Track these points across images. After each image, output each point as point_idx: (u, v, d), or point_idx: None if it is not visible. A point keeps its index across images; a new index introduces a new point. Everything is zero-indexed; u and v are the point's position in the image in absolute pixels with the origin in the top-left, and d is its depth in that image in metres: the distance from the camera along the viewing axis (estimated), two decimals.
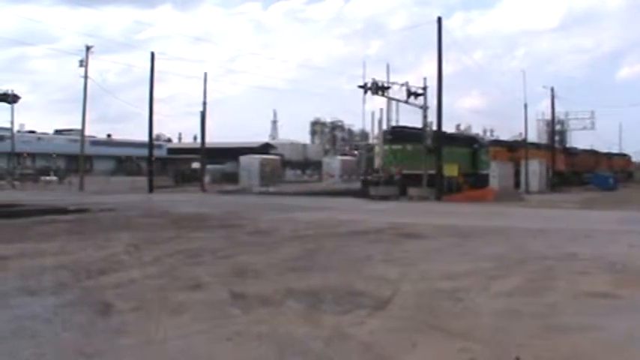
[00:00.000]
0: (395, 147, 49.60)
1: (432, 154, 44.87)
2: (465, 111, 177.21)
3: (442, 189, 42.49)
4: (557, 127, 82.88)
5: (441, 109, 43.84)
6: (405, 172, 46.62)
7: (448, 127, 59.24)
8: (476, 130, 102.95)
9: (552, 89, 70.68)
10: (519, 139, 67.01)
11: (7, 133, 76.33)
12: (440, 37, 43.37)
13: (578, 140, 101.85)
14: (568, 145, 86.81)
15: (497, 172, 48.37)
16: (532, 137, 72.48)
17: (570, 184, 64.54)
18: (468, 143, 57.48)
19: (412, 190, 42.67)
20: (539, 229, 20.61)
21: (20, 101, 59.42)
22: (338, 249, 15.50)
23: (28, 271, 11.82)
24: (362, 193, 46.76)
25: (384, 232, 19.30)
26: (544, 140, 79.75)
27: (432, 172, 46.15)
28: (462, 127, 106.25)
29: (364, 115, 51.49)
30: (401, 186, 45.03)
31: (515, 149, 60.04)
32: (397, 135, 49.67)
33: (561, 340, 7.29)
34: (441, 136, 48.07)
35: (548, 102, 72.44)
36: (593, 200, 39.71)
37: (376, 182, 47.00)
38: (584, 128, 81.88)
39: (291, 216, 25.99)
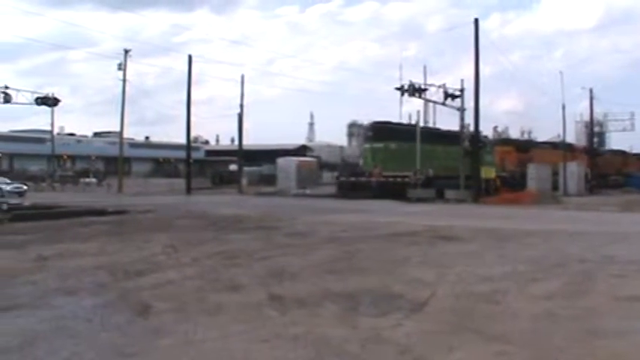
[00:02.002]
0: (376, 145, 48.21)
1: (469, 156, 44.54)
2: (503, 113, 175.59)
3: (479, 191, 42.14)
4: (596, 129, 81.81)
5: (479, 110, 43.61)
6: (387, 174, 45.29)
7: (485, 129, 57.90)
8: (513, 131, 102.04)
9: (591, 90, 69.96)
10: (557, 140, 66.25)
11: (48, 136, 77.29)
12: (477, 39, 43.16)
13: (618, 142, 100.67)
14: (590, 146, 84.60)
15: (535, 175, 47.90)
16: (570, 139, 71.75)
17: (594, 187, 60.67)
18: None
19: (449, 193, 42.38)
20: (577, 231, 20.41)
21: (60, 104, 59.78)
22: (374, 251, 15.48)
23: (67, 272, 11.95)
24: (342, 195, 45.51)
25: (421, 235, 19.22)
26: (582, 142, 78.86)
27: (435, 174, 45.97)
28: (500, 129, 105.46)
29: (401, 117, 50.68)
30: (379, 191, 43.42)
31: (525, 149, 57.62)
32: (378, 132, 48.20)
33: (600, 343, 7.20)
34: (435, 134, 47.84)
35: (586, 103, 71.37)
36: (633, 203, 39.12)
37: (352, 185, 46.05)
38: (624, 130, 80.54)
39: (327, 218, 25.99)
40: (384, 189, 43.95)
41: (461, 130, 46.01)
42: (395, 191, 43.37)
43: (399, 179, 45.21)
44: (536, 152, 57.01)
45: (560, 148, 62.66)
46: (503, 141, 58.72)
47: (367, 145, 49.04)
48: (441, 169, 47.14)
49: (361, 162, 49.69)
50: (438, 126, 53.17)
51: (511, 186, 46.35)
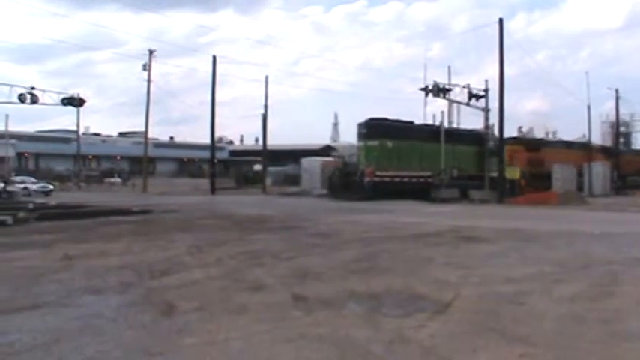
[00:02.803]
0: (370, 143, 45.70)
1: (494, 156, 44.43)
2: (527, 113, 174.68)
3: (504, 192, 41.96)
4: (622, 129, 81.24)
5: (503, 111, 43.46)
6: (382, 173, 43.97)
7: (510, 130, 57.34)
8: (538, 132, 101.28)
9: (617, 90, 69.57)
10: (583, 140, 65.66)
11: (74, 136, 77.90)
12: (501, 39, 43.03)
13: None
14: (604, 145, 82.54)
15: (560, 175, 47.62)
16: (595, 139, 71.21)
17: (619, 187, 58.89)
18: (473, 141, 51.40)
19: (473, 193, 42.28)
20: (603, 232, 20.26)
21: (86, 104, 60.24)
22: (399, 252, 15.45)
23: (93, 271, 12.05)
24: (332, 196, 44.64)
25: (445, 235, 19.17)
26: (608, 142, 78.24)
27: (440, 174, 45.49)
28: (524, 130, 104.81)
29: (425, 118, 50.05)
30: (373, 193, 41.92)
31: (536, 149, 55.93)
32: (373, 129, 45.76)
33: (625, 346, 7.14)
34: (439, 133, 46.72)
35: (612, 104, 71.21)
36: None
37: (344, 185, 44.67)
38: None
39: (351, 218, 25.99)
40: (377, 190, 42.66)
41: (485, 130, 45.92)
42: (396, 192, 42.38)
43: (397, 179, 44.46)
44: (548, 152, 55.50)
45: (575, 148, 61.64)
46: (513, 140, 56.26)
47: (361, 143, 46.64)
48: (443, 169, 46.37)
49: (361, 162, 46.98)
50: (462, 127, 52.79)
51: (520, 186, 45.76)
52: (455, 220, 25.46)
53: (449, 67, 47.89)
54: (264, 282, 10.95)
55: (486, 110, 45.06)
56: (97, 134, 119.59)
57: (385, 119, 46.46)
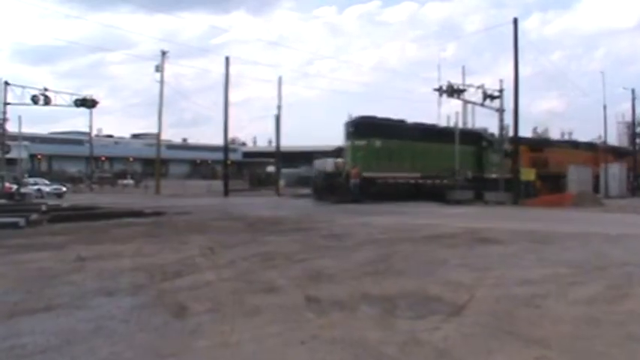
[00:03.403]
0: (357, 143, 44.30)
1: (509, 157, 44.27)
2: (543, 113, 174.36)
3: (519, 193, 41.84)
4: (638, 130, 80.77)
5: (518, 111, 43.35)
6: (369, 174, 42.71)
7: (525, 130, 56.80)
8: (553, 133, 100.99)
9: (633, 90, 69.24)
10: (598, 141, 65.25)
11: (86, 138, 78.37)
12: (516, 39, 42.95)
13: None
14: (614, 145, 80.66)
15: (575, 176, 47.38)
16: (612, 140, 70.84)
17: (636, 189, 57.99)
18: (471, 140, 50.40)
19: (488, 195, 42.14)
20: (619, 234, 20.15)
21: (98, 106, 60.39)
22: (413, 253, 15.43)
23: (105, 273, 12.10)
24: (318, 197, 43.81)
25: (459, 237, 19.12)
26: (625, 143, 77.82)
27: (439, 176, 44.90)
28: (539, 130, 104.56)
29: (440, 119, 49.96)
30: (359, 195, 40.84)
31: (539, 149, 54.44)
32: (361, 128, 44.40)
33: None
34: (432, 131, 46.51)
35: (628, 104, 70.56)
36: None
37: (328, 187, 43.47)
38: None
39: (365, 220, 25.96)
40: (364, 192, 41.66)
41: (500, 131, 45.71)
42: (384, 194, 41.60)
43: (387, 180, 43.55)
44: (552, 152, 54.33)
45: (583, 148, 60.68)
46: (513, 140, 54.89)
47: (348, 143, 45.13)
48: (438, 171, 45.64)
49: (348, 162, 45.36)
50: (477, 127, 52.61)
51: (552, 189, 45.49)
52: (469, 221, 25.39)
53: (463, 68, 48.42)
54: (277, 284, 10.96)
55: (501, 111, 44.87)
56: (110, 136, 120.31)
57: (374, 117, 45.24)
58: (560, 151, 55.64)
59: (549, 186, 47.92)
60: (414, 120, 48.45)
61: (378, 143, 44.16)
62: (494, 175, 46.90)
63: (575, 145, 62.29)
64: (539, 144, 56.82)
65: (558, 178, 49.49)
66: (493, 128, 48.73)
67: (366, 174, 42.51)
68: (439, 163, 45.58)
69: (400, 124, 46.43)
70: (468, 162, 48.27)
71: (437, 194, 43.15)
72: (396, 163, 44.03)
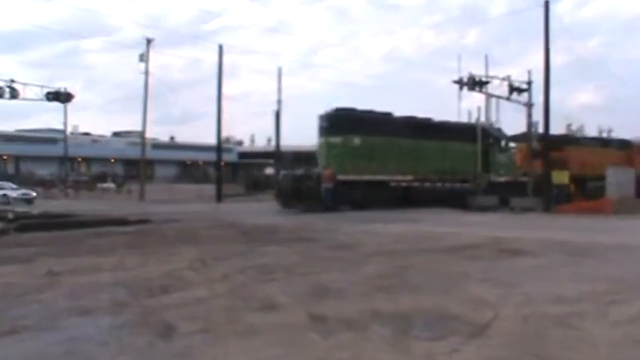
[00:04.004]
0: (332, 140, 42.32)
1: (538, 158, 44.09)
2: (578, 108, 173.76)
3: (551, 199, 41.69)
4: None
5: (549, 106, 43.05)
6: (345, 177, 40.71)
7: (557, 127, 56.34)
8: (590, 130, 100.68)
9: None
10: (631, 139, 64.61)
11: (60, 136, 78.21)
12: (547, 24, 42.77)
13: None
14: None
15: (614, 179, 47.10)
16: None
17: None
18: (471, 137, 47.51)
19: (514, 201, 41.96)
20: None
21: (74, 100, 60.61)
22: (430, 266, 15.42)
23: (81, 289, 12.08)
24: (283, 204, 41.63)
25: (482, 248, 19.11)
26: None
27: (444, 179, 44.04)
28: (573, 127, 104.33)
29: (460, 114, 49.02)
30: (332, 202, 39.20)
31: (557, 147, 50.70)
32: (336, 122, 42.33)
33: None
34: (425, 127, 45.13)
35: None
36: None
37: (296, 192, 40.84)
38: None
39: (375, 228, 25.98)
40: (339, 197, 39.99)
41: (528, 128, 45.52)
42: (363, 200, 40.33)
43: (366, 184, 41.51)
44: (573, 151, 52.09)
45: (614, 146, 59.12)
46: (528, 136, 52.45)
47: (321, 140, 43.12)
48: (433, 173, 44.44)
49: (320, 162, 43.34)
50: (502, 125, 52.20)
51: (537, 193, 44.09)
52: (494, 230, 25.37)
53: (486, 57, 47.73)
54: (276, 300, 10.96)
55: (529, 105, 44.75)
56: (87, 134, 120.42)
57: (352, 109, 43.23)
58: (584, 149, 54.11)
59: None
60: (433, 115, 47.11)
61: (357, 140, 42.40)
62: (502, 179, 46.57)
63: (604, 142, 61.28)
64: (558, 141, 54.88)
65: (581, 181, 48.40)
66: (520, 125, 48.55)
67: (341, 177, 40.61)
68: (435, 164, 44.91)
69: (385, 117, 44.96)
70: (469, 162, 46.66)
71: (441, 200, 42.16)
72: (379, 163, 42.15)
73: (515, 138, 52.33)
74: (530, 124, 45.15)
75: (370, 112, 43.65)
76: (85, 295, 11.45)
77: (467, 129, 48.48)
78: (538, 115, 44.28)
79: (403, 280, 13.22)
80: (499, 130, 49.37)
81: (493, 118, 49.85)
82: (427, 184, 44.06)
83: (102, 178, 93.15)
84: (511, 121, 52.11)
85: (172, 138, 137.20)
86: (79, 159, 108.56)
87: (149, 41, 61.16)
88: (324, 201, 39.62)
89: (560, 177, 44.51)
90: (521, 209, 40.34)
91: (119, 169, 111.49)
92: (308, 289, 11.96)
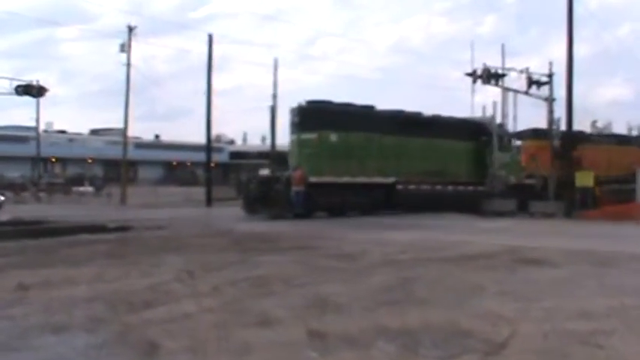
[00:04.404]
0: (305, 137, 40.71)
1: (561, 159, 43.96)
2: (605, 103, 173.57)
3: (574, 203, 41.58)
4: None
5: (572, 101, 42.85)
6: (319, 179, 38.95)
7: (580, 124, 56.07)
8: (618, 127, 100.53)
9: None
10: None
11: (32, 134, 78.13)
12: (570, 10, 42.63)
13: None
14: None
15: None
16: None
17: None
18: (469, 134, 47.56)
19: (534, 205, 41.88)
20: None
21: (47, 94, 60.51)
22: (440, 278, 15.45)
23: (55, 304, 12.06)
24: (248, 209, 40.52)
25: (498, 257, 19.14)
26: None
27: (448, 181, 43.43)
28: (600, 124, 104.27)
29: (473, 110, 48.74)
30: (304, 207, 37.78)
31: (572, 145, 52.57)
32: (310, 117, 40.76)
33: None
34: (412, 122, 43.99)
35: None
36: None
37: (263, 196, 39.41)
38: None
39: (381, 236, 26.00)
40: (312, 202, 38.65)
41: (549, 125, 45.41)
42: (340, 206, 39.54)
43: (344, 187, 39.81)
44: (587, 149, 49.90)
45: (634, 144, 59.01)
46: (535, 133, 51.63)
47: (293, 137, 41.72)
48: (422, 174, 43.73)
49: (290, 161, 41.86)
50: (520, 122, 51.96)
51: (545, 196, 43.58)
52: (511, 238, 25.40)
53: (503, 47, 47.81)
54: (272, 315, 10.98)
55: (550, 100, 44.71)
56: (62, 132, 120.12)
57: (328, 102, 41.71)
58: (600, 148, 53.58)
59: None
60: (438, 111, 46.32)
61: (333, 137, 40.60)
62: (499, 181, 45.76)
63: (622, 140, 60.78)
64: (571, 138, 54.50)
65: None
66: (539, 122, 48.47)
67: (315, 179, 38.92)
68: (424, 164, 44.11)
69: (366, 111, 43.59)
70: (465, 162, 46.73)
71: (434, 205, 41.07)
72: (359, 164, 40.87)
73: (520, 135, 51.86)
74: (552, 120, 45.04)
75: (349, 106, 42.65)
76: (59, 311, 11.42)
77: (463, 125, 48.07)
78: (560, 111, 44.21)
79: (410, 293, 13.25)
80: (501, 126, 48.49)
81: (510, 114, 49.73)
82: (414, 187, 43.01)
83: (78, 180, 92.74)
84: (530, 117, 51.86)
85: (157, 136, 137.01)
86: (53, 159, 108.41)
87: (131, 29, 61.07)
88: (293, 206, 38.34)
89: (585, 179, 44.34)
90: (540, 214, 40.31)
91: (98, 171, 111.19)
92: (306, 303, 11.99)
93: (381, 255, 19.80)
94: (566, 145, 43.81)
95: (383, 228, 30.09)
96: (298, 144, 40.82)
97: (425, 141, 44.24)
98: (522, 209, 41.84)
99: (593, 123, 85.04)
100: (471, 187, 45.43)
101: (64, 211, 44.70)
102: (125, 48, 60.64)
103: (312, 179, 38.61)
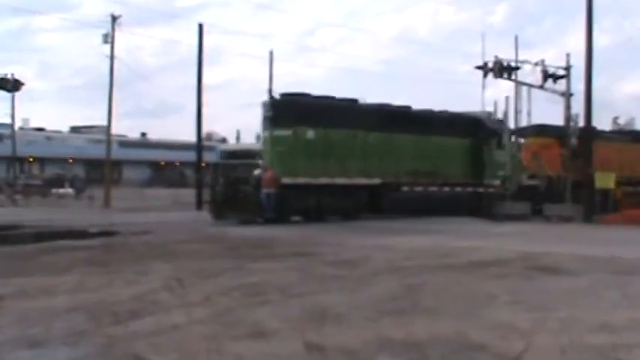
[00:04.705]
0: (279, 133, 38.91)
1: (578, 158, 43.85)
2: (628, 98, 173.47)
3: (594, 207, 41.51)
4: None
5: (591, 95, 42.85)
6: (293, 180, 37.65)
7: (601, 121, 55.68)
8: None
9: None
10: None
11: (7, 131, 77.87)
12: None
13: None
14: None
15: None
16: None
17: None
18: (465, 130, 46.45)
19: (550, 208, 41.83)
20: None
21: (24, 88, 60.46)
22: (448, 286, 15.47)
23: (31, 315, 12.03)
24: (215, 214, 38.79)
25: (511, 264, 19.17)
26: None
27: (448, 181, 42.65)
28: (621, 121, 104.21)
29: (484, 105, 48.33)
30: (276, 212, 36.54)
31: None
32: (284, 111, 39.37)
33: None
34: (396, 115, 42.92)
35: None
36: None
37: (231, 199, 38.22)
38: None
39: (384, 241, 26.02)
40: (285, 206, 37.46)
41: (566, 122, 45.28)
42: (317, 210, 38.59)
43: (320, 189, 38.65)
44: (600, 148, 48.21)
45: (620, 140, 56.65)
46: (538, 129, 50.26)
47: (265, 133, 39.87)
48: (411, 174, 42.76)
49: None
50: (533, 118, 51.66)
51: (549, 199, 43.31)
52: (525, 243, 25.42)
53: (516, 38, 47.54)
54: (267, 326, 11.00)
55: (568, 95, 44.61)
56: (40, 129, 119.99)
57: (305, 95, 40.56)
58: (607, 145, 51.05)
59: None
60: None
61: (310, 134, 38.97)
62: (497, 181, 45.05)
63: (634, 136, 58.98)
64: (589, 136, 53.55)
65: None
66: (554, 118, 48.34)
67: (289, 180, 37.75)
68: (413, 163, 43.07)
69: (348, 105, 41.94)
70: (460, 161, 45.64)
71: (425, 208, 40.94)
72: (339, 163, 39.51)
73: (522, 132, 50.28)
74: (569, 117, 44.90)
75: (329, 99, 41.12)
76: (36, 323, 11.40)
77: (457, 120, 47.14)
78: (578, 107, 44.07)
79: (416, 302, 13.27)
80: (500, 122, 47.23)
81: (523, 110, 49.53)
82: (402, 188, 42.21)
83: (58, 181, 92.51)
84: (545, 113, 51.64)
85: (144, 134, 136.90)
86: (30, 159, 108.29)
87: (115, 19, 61.05)
88: (264, 210, 37.13)
89: (605, 180, 44.28)
90: (556, 218, 40.29)
91: (79, 171, 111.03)
92: (304, 313, 12.00)
93: (384, 261, 19.84)
94: (584, 143, 43.58)
95: (385, 232, 30.12)
96: (271, 141, 39.12)
97: (415, 138, 43.38)
98: (534, 213, 41.81)
99: (615, 119, 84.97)
100: (469, 189, 44.86)
101: (42, 215, 44.66)
102: (108, 39, 60.58)
103: (285, 180, 37.53)
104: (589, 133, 43.35)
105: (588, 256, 21.40)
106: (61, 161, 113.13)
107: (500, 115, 46.97)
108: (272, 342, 10.03)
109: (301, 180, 37.92)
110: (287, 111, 39.10)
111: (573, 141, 44.48)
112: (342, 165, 39.52)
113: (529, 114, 47.83)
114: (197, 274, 16.96)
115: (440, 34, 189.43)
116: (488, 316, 11.92)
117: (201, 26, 58.29)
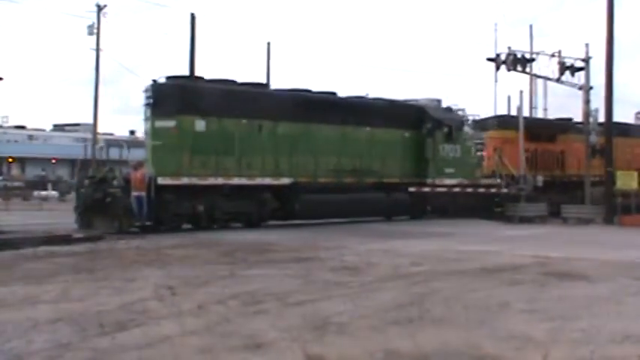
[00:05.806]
0: (161, 124, 34.77)
1: (597, 155, 43.72)
2: None
3: (615, 208, 41.38)
4: None
5: (612, 89, 42.72)
6: (175, 182, 33.52)
7: (623, 115, 55.18)
8: None
9: None
10: None
11: None
12: None
13: None
14: None
15: None
16: None
17: None
18: (405, 121, 43.46)
19: (567, 209, 41.71)
20: None
21: (2, 83, 60.40)
22: (458, 293, 15.46)
23: (10, 328, 11.98)
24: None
25: (527, 270, 19.16)
26: None
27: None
28: None
29: (496, 100, 48.18)
30: (152, 219, 32.46)
31: (547, 136, 49.65)
32: (167, 97, 35.27)
33: None
34: (326, 103, 39.90)
35: None
36: None
37: (98, 203, 32.94)
38: None
39: (390, 245, 26.01)
40: (162, 212, 33.14)
41: (585, 117, 45.09)
42: (200, 216, 34.30)
43: (222, 190, 34.95)
44: (573, 142, 48.69)
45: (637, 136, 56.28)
46: (500, 121, 48.96)
47: (147, 125, 35.83)
48: (332, 173, 39.24)
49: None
50: (550, 112, 51.47)
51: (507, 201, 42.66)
52: (541, 248, 25.38)
53: (531, 27, 47.88)
54: (265, 337, 11.00)
55: (587, 89, 44.51)
56: (21, 127, 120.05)
57: (195, 78, 38.87)
58: (621, 141, 49.10)
59: (565, 198, 44.68)
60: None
61: (199, 125, 34.79)
62: (447, 181, 42.92)
63: (622, 130, 53.49)
64: (548, 129, 51.43)
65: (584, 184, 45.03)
66: (572, 112, 48.19)
67: (170, 181, 33.56)
68: (339, 160, 39.77)
69: (254, 90, 38.59)
70: (399, 157, 42.52)
71: (347, 212, 38.99)
72: (238, 160, 35.76)
73: (483, 124, 48.87)
74: (588, 112, 44.67)
75: (227, 83, 37.29)
76: (16, 336, 11.37)
77: (396, 110, 44.22)
78: (598, 102, 43.80)
79: (424, 311, 13.26)
80: (449, 110, 45.99)
81: (539, 105, 49.43)
82: (320, 189, 38.42)
83: (40, 183, 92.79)
84: (563, 108, 51.53)
85: (133, 132, 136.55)
86: (10, 159, 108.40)
87: (100, 9, 61.10)
88: (134, 216, 32.86)
89: (627, 180, 44.14)
90: (575, 220, 40.22)
91: (63, 173, 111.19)
92: (305, 323, 12.00)
93: (390, 267, 19.83)
94: (606, 139, 43.16)
95: (389, 236, 30.11)
96: (151, 134, 35.15)
97: (339, 129, 40.02)
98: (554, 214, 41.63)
99: (637, 114, 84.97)
100: (413, 188, 41.57)
101: (23, 219, 44.68)
102: (94, 30, 60.54)
103: (162, 181, 33.09)
104: (610, 127, 42.99)
105: (609, 260, 21.41)
106: (44, 161, 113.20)
107: (504, 110, 46.63)
108: (270, 354, 10.03)
109: (185, 181, 34.10)
110: (171, 98, 35.34)
111: (592, 138, 44.25)
112: (243, 162, 36.03)
113: (545, 109, 47.71)
114: (190, 281, 16.96)
115: (448, 25, 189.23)
116: (502, 326, 11.92)
117: (193, 16, 58.18)
